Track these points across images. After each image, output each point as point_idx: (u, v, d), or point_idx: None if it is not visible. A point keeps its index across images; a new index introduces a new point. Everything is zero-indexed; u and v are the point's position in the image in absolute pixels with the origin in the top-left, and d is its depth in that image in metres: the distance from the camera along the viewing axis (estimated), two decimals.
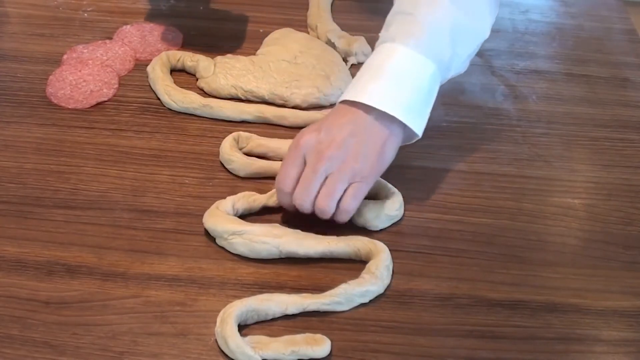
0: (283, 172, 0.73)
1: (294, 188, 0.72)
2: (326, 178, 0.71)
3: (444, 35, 0.76)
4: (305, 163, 0.72)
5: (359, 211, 0.75)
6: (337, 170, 0.71)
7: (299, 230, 0.73)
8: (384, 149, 0.73)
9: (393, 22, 0.78)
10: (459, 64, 0.81)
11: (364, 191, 0.73)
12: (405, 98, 0.74)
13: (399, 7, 0.79)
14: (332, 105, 0.76)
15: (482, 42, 0.82)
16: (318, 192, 0.71)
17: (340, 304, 0.67)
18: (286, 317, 0.67)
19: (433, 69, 0.75)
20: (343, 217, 0.73)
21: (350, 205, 0.72)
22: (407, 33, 0.76)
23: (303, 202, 0.71)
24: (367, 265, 0.70)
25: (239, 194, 0.75)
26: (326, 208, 0.71)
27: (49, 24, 0.99)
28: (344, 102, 0.75)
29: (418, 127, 0.75)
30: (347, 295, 0.68)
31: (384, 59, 0.75)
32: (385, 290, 0.70)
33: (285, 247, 0.71)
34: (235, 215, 0.73)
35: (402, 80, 0.74)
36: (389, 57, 0.75)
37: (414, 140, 0.77)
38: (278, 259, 0.71)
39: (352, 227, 0.75)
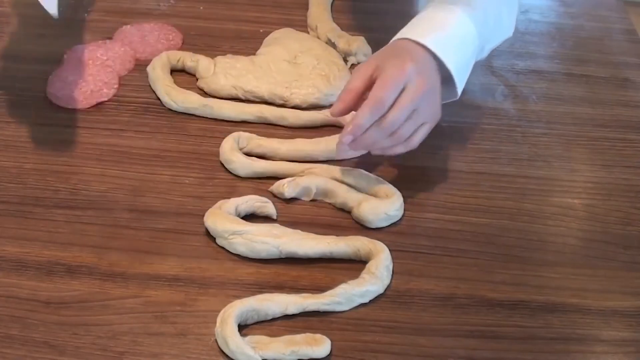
0: (385, 91, 0.71)
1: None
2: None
3: (490, 18, 0.81)
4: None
5: (359, 209, 0.75)
6: (422, 108, 0.74)
7: (299, 231, 0.73)
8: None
9: None
10: (486, 51, 0.85)
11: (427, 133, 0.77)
12: (459, 58, 0.77)
13: None
14: (331, 106, 0.76)
15: (505, 39, 0.87)
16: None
17: (340, 304, 0.67)
18: (286, 317, 0.67)
19: (477, 44, 0.79)
20: (403, 150, 0.76)
21: (417, 143, 0.75)
22: (467, 2, 0.79)
23: (394, 125, 0.72)
24: (367, 266, 0.70)
25: (245, 197, 0.75)
26: (406, 139, 0.74)
27: (49, 24, 0.98)
28: (406, 40, 0.76)
29: (460, 89, 0.78)
30: (347, 295, 0.68)
31: (445, 16, 0.78)
32: (385, 290, 0.70)
33: (285, 247, 0.71)
34: (237, 216, 0.73)
35: (459, 41, 0.78)
36: (450, 16, 0.78)
37: (442, 102, 0.79)
38: (278, 259, 0.71)
39: (352, 227, 0.75)
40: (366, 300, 0.69)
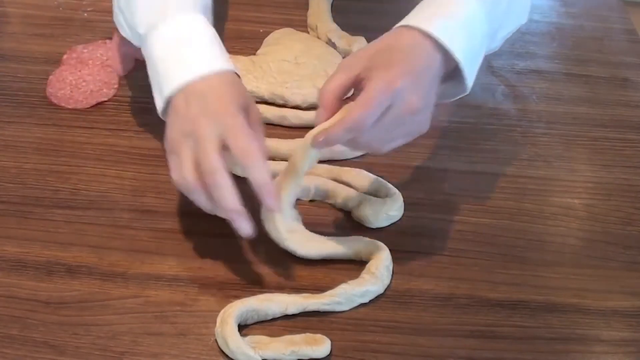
0: (367, 112, 0.64)
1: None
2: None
3: (503, 4, 0.74)
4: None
5: (359, 209, 0.75)
6: (406, 126, 0.68)
7: (302, 226, 0.73)
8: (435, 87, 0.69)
9: None
10: (499, 40, 0.79)
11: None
12: (468, 46, 0.70)
13: None
14: None
15: (519, 27, 0.81)
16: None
17: (340, 304, 0.67)
18: (286, 317, 0.67)
19: (486, 30, 0.72)
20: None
21: (385, 152, 0.70)
22: None
23: (368, 146, 0.69)
24: (367, 266, 0.70)
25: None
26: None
27: (49, 24, 0.99)
28: (410, 27, 0.69)
29: (470, 82, 0.71)
30: (347, 295, 0.68)
31: (450, 0, 0.71)
32: (385, 290, 0.70)
33: (286, 247, 0.71)
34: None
35: (467, 28, 0.70)
36: (456, 1, 0.71)
37: (449, 100, 0.74)
38: (278, 259, 0.71)
39: (352, 227, 0.75)
40: (366, 300, 0.69)
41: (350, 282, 0.68)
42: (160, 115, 0.72)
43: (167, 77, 0.71)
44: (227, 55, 0.73)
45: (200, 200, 0.67)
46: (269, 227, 0.70)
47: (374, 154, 0.73)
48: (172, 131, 0.69)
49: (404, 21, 0.70)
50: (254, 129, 0.68)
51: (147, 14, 0.74)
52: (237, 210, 0.66)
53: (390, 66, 0.66)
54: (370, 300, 0.69)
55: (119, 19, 0.79)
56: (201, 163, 0.66)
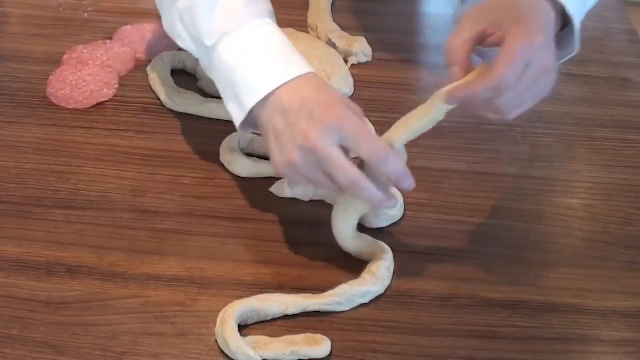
0: (512, 70, 0.63)
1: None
2: None
3: None
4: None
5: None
6: (537, 89, 0.67)
7: None
8: None
9: None
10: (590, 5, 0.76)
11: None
12: (578, 5, 0.70)
13: None
14: None
15: None
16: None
17: (340, 304, 0.67)
18: (286, 317, 0.67)
19: None
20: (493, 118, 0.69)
21: (511, 118, 0.68)
22: None
23: (503, 107, 0.66)
24: (368, 265, 0.70)
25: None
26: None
27: (49, 24, 0.99)
28: None
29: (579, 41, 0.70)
30: (347, 295, 0.68)
31: None
32: (385, 290, 0.70)
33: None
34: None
35: None
36: None
37: (560, 61, 0.72)
38: (278, 259, 0.71)
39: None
40: (366, 300, 0.68)
41: (351, 282, 0.68)
42: (237, 126, 0.70)
43: (248, 87, 0.68)
44: (303, 57, 0.70)
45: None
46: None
47: (500, 119, 0.69)
48: (281, 149, 0.66)
49: None
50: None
51: (216, 23, 0.70)
52: (385, 198, 0.66)
53: (525, 22, 0.64)
54: (370, 300, 0.69)
55: (177, 30, 0.74)
56: (335, 177, 0.64)
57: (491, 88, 0.64)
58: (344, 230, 0.71)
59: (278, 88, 0.67)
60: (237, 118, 0.70)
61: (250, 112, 0.68)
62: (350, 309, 0.68)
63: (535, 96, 0.68)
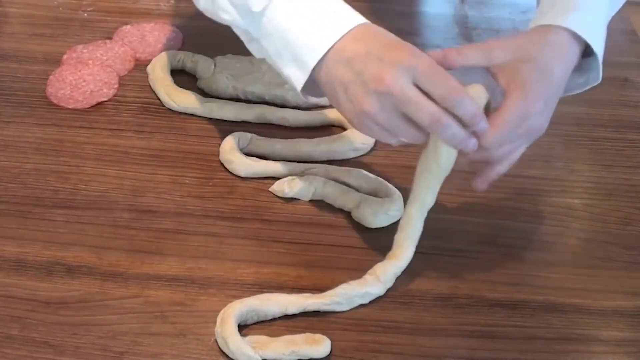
0: (502, 133, 0.65)
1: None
2: None
3: None
4: None
5: (359, 209, 0.75)
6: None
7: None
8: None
9: None
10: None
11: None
12: (601, 35, 0.71)
13: None
14: (332, 105, 0.75)
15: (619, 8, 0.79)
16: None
17: (340, 304, 0.67)
18: (286, 317, 0.67)
19: (609, 14, 0.74)
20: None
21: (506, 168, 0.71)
22: None
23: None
24: (373, 268, 0.70)
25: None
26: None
27: (49, 24, 0.99)
28: (554, 27, 0.69)
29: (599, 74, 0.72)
30: (347, 295, 0.67)
31: None
32: (386, 291, 0.70)
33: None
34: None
35: (599, 19, 0.71)
36: None
37: (578, 91, 0.75)
38: (278, 259, 0.71)
39: (352, 227, 0.75)
40: (366, 301, 0.68)
41: (352, 282, 0.68)
42: (299, 91, 0.67)
43: (308, 45, 0.65)
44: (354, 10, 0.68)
45: (453, 130, 0.63)
46: None
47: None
48: (351, 100, 0.64)
49: (544, 18, 0.70)
50: None
51: None
52: (467, 136, 0.64)
53: (529, 87, 0.66)
54: (370, 301, 0.69)
55: (220, 3, 0.71)
56: (417, 117, 0.62)
57: (480, 148, 0.65)
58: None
59: (338, 41, 0.64)
60: (299, 81, 0.67)
61: (312, 73, 0.66)
62: (351, 309, 0.68)
63: (518, 146, 0.69)
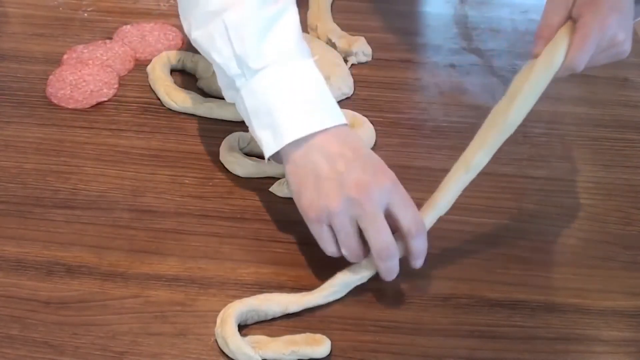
0: (585, 51, 0.68)
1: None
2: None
3: None
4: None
5: None
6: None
7: None
8: None
9: None
10: None
11: None
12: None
13: None
14: None
15: None
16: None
17: (338, 292, 0.68)
18: (286, 317, 0.67)
19: None
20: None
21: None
22: None
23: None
24: None
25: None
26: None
27: (49, 24, 0.99)
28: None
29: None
30: (344, 282, 0.68)
31: None
32: (386, 290, 0.70)
33: None
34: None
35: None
36: None
37: None
38: (278, 259, 0.71)
39: None
40: (364, 280, 0.69)
41: (345, 270, 0.69)
42: (267, 155, 0.69)
43: (289, 120, 0.67)
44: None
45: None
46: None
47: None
48: (319, 193, 0.65)
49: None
50: None
51: (268, 49, 0.69)
52: (397, 271, 0.67)
53: (599, 2, 0.68)
54: (370, 301, 0.69)
55: (217, 44, 0.71)
56: (371, 237, 0.65)
57: (565, 70, 0.69)
58: None
59: (321, 132, 0.66)
60: (270, 149, 0.68)
61: (286, 148, 0.67)
62: (350, 309, 0.68)
63: (607, 60, 0.73)
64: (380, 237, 0.65)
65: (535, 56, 0.71)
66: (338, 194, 0.64)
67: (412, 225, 0.66)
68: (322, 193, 0.65)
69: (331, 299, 0.68)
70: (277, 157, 0.70)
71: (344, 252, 0.67)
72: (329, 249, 0.67)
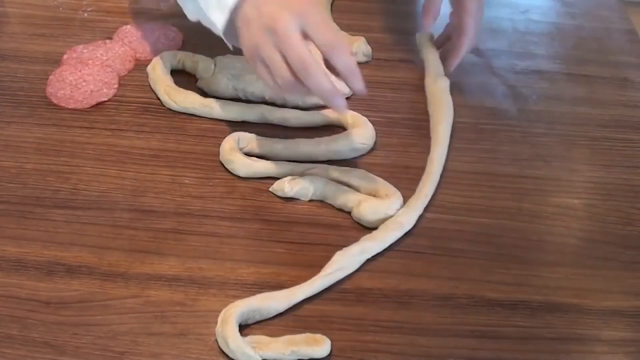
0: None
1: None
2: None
3: None
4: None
5: (359, 209, 0.75)
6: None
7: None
8: None
9: None
10: None
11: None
12: None
13: None
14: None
15: None
16: None
17: (343, 270, 0.69)
18: (286, 317, 0.67)
19: None
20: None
21: None
22: None
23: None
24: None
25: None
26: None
27: (49, 24, 0.99)
28: None
29: None
30: (346, 259, 0.70)
31: None
32: (386, 290, 0.70)
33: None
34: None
35: None
36: None
37: None
38: (278, 259, 0.71)
39: (352, 227, 0.75)
40: (368, 255, 0.71)
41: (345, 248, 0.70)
42: (222, 34, 0.74)
43: None
44: None
45: (299, 93, 0.71)
46: None
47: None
48: (249, 35, 0.70)
49: None
50: None
51: None
52: (334, 91, 0.69)
53: None
54: (370, 301, 0.69)
55: None
56: (288, 56, 0.68)
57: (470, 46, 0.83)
58: None
59: None
60: (220, 21, 0.74)
61: (231, 16, 0.72)
62: (350, 309, 0.68)
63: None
64: (294, 53, 0.67)
65: (425, 30, 0.85)
66: (260, 29, 0.69)
67: (327, 43, 0.68)
68: (251, 33, 0.71)
69: (336, 277, 0.69)
70: (230, 34, 0.75)
71: (279, 81, 0.70)
72: (268, 81, 0.71)
